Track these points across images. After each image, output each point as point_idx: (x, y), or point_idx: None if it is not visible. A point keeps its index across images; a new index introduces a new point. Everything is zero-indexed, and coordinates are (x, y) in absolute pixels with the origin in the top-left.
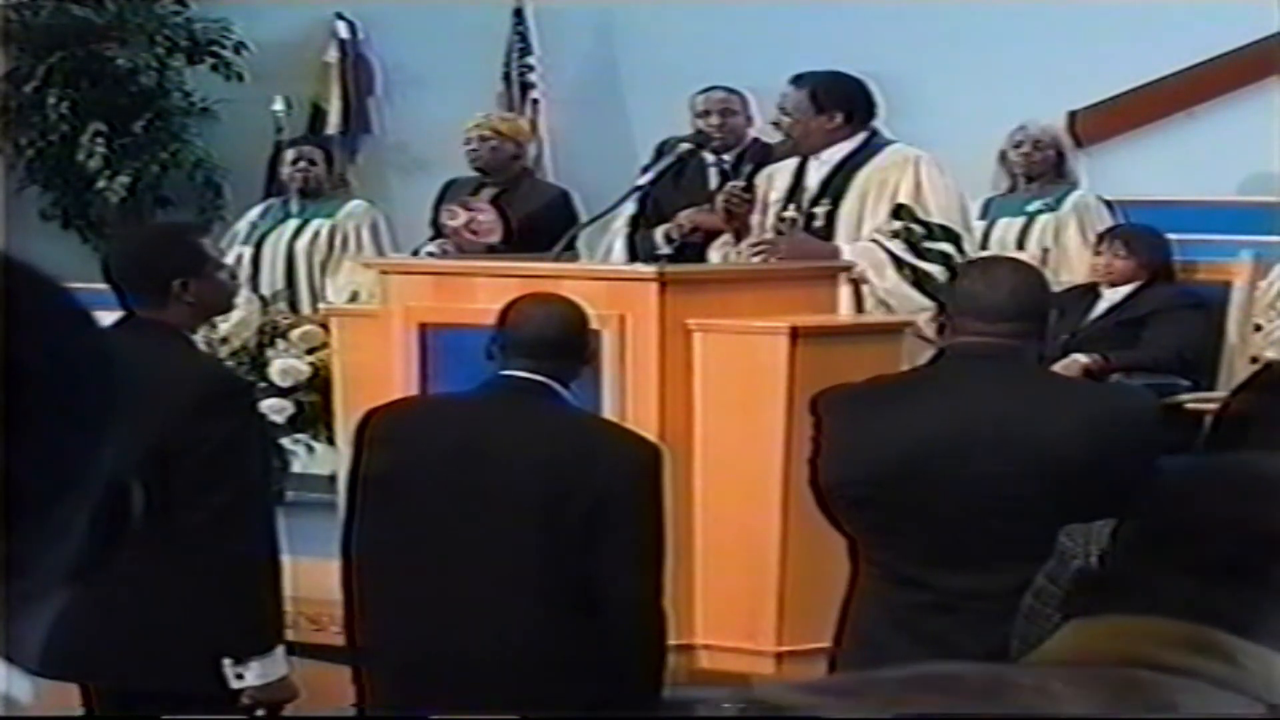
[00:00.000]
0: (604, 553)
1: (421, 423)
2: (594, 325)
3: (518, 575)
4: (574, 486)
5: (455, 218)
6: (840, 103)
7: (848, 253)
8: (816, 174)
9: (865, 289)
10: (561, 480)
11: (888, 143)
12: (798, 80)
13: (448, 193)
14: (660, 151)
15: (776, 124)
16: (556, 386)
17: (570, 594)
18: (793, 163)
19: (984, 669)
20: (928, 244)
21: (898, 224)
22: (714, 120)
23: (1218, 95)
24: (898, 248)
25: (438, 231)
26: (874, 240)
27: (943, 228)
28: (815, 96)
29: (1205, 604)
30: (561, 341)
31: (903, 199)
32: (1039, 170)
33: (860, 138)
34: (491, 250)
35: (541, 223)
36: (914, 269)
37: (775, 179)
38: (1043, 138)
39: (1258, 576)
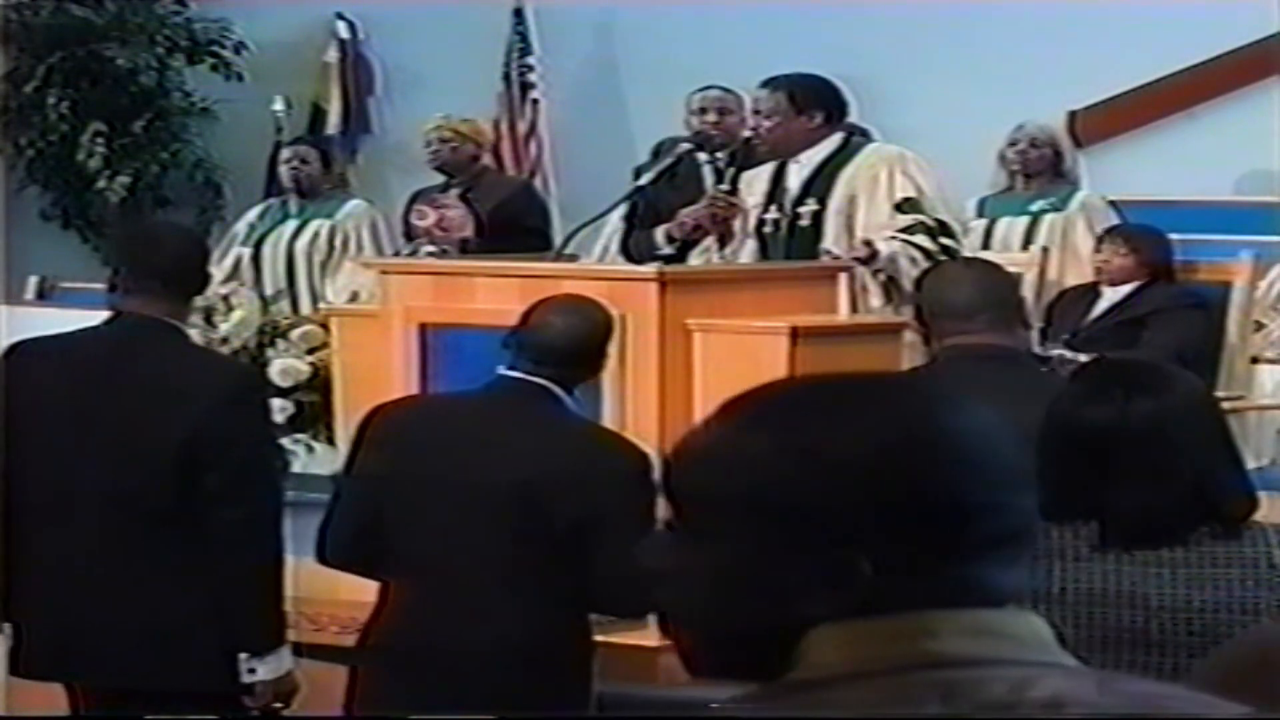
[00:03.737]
0: (597, 565)
1: (418, 421)
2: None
3: (502, 576)
4: (561, 496)
5: (425, 218)
6: (818, 103)
7: (884, 250)
8: (797, 175)
9: (854, 287)
10: (548, 487)
11: (866, 141)
12: (771, 83)
13: (415, 200)
14: (658, 152)
15: (755, 129)
16: (556, 390)
17: (557, 596)
18: (769, 167)
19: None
20: (943, 239)
21: (905, 219)
22: (711, 118)
23: (1218, 95)
24: (925, 241)
25: (409, 237)
26: (893, 238)
27: (944, 223)
28: (794, 98)
29: (950, 585)
30: (572, 350)
31: (903, 194)
32: (1036, 168)
33: (839, 137)
34: (464, 244)
35: (508, 213)
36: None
37: (753, 184)
38: (1039, 136)
39: (972, 547)
